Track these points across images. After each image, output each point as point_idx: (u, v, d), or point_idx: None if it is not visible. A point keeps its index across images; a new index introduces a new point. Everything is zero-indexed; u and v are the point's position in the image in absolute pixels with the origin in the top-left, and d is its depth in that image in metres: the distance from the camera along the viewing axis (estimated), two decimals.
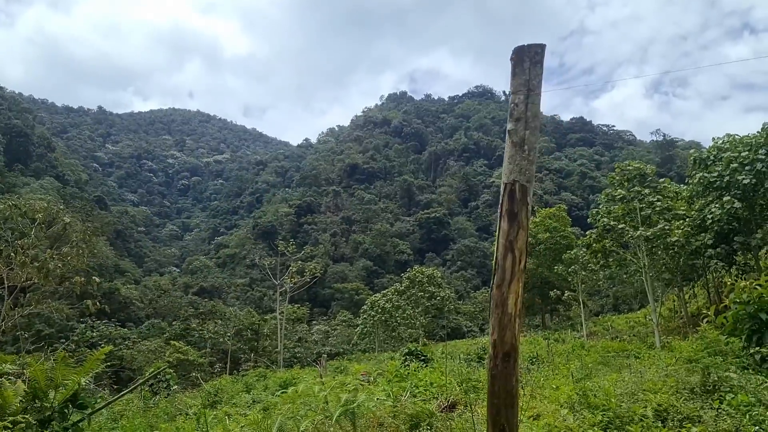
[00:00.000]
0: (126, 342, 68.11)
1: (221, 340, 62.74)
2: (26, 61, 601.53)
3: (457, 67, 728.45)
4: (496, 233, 4.03)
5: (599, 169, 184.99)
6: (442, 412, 7.85)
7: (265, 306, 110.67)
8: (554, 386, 9.58)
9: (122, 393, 11.99)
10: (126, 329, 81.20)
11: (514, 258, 3.92)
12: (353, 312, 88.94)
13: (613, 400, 7.26)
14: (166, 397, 21.24)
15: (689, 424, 6.76)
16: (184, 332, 68.65)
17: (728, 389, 7.89)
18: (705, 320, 15.16)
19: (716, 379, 8.21)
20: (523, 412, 7.29)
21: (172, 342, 62.13)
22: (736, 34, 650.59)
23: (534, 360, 19.78)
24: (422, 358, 20.23)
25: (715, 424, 6.67)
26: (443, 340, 68.71)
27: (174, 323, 78.83)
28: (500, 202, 4.02)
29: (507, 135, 4.12)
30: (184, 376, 59.22)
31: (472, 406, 7.70)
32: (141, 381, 16.18)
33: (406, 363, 20.08)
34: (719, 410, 7.20)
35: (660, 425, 6.96)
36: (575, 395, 7.42)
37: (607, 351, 28.94)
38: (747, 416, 6.81)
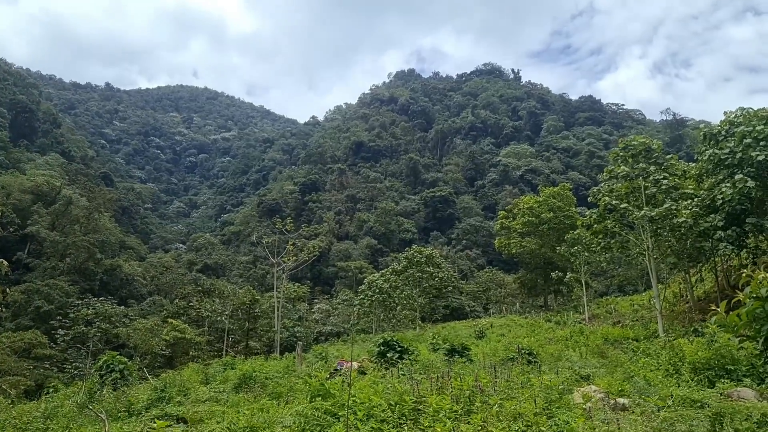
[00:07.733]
0: (124, 320, 67.28)
1: (218, 318, 61.75)
2: (31, 39, 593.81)
3: (460, 47, 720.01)
4: None
5: (607, 148, 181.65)
6: None
7: (268, 284, 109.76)
8: (511, 416, 7.56)
9: None
10: (126, 307, 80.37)
11: None
12: (356, 291, 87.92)
13: None
14: (113, 391, 19.84)
15: None
16: (183, 310, 67.81)
17: None
18: (713, 318, 13.19)
19: None
20: None
21: (169, 320, 61.14)
22: (739, 15, 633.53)
23: (518, 355, 17.95)
24: (398, 348, 18.49)
25: None
26: (443, 321, 67.44)
27: (175, 301, 78.03)
28: None
29: None
30: (182, 355, 58.46)
31: None
32: None
33: (380, 354, 18.48)
34: None
35: None
36: None
37: (606, 339, 27.38)
38: None
